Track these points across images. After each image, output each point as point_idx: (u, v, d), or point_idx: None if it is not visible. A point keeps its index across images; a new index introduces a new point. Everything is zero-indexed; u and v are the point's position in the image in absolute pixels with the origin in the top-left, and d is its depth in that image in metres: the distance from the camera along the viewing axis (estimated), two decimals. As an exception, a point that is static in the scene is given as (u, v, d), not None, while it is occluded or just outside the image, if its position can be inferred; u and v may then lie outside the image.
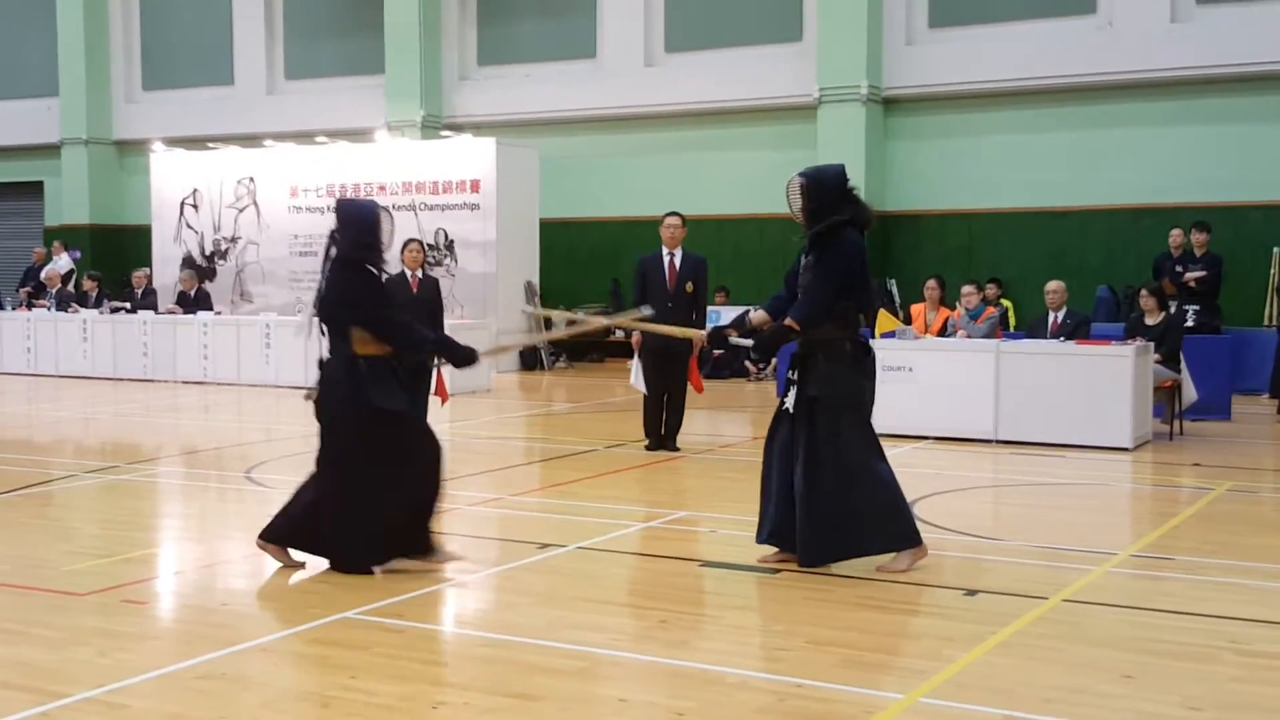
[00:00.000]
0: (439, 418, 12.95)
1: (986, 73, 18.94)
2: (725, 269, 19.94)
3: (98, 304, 19.48)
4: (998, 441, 11.75)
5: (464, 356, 7.36)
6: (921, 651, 5.46)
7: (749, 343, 7.14)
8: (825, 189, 6.69)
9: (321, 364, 6.90)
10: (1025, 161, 19.01)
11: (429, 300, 11.13)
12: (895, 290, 19.31)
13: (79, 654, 5.40)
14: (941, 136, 19.53)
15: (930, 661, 5.29)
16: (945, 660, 5.30)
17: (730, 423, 14.33)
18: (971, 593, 6.43)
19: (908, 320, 13.18)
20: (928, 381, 12.07)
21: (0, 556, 7.24)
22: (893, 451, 11.38)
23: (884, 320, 12.80)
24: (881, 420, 12.02)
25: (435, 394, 11.20)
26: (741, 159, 20.57)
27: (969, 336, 12.47)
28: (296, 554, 6.95)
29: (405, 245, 11.29)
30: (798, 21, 20.27)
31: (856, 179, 20.55)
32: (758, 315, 7.05)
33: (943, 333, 12.76)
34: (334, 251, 6.90)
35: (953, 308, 13.13)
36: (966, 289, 13.00)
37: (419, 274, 11.19)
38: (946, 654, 5.39)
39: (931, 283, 13.30)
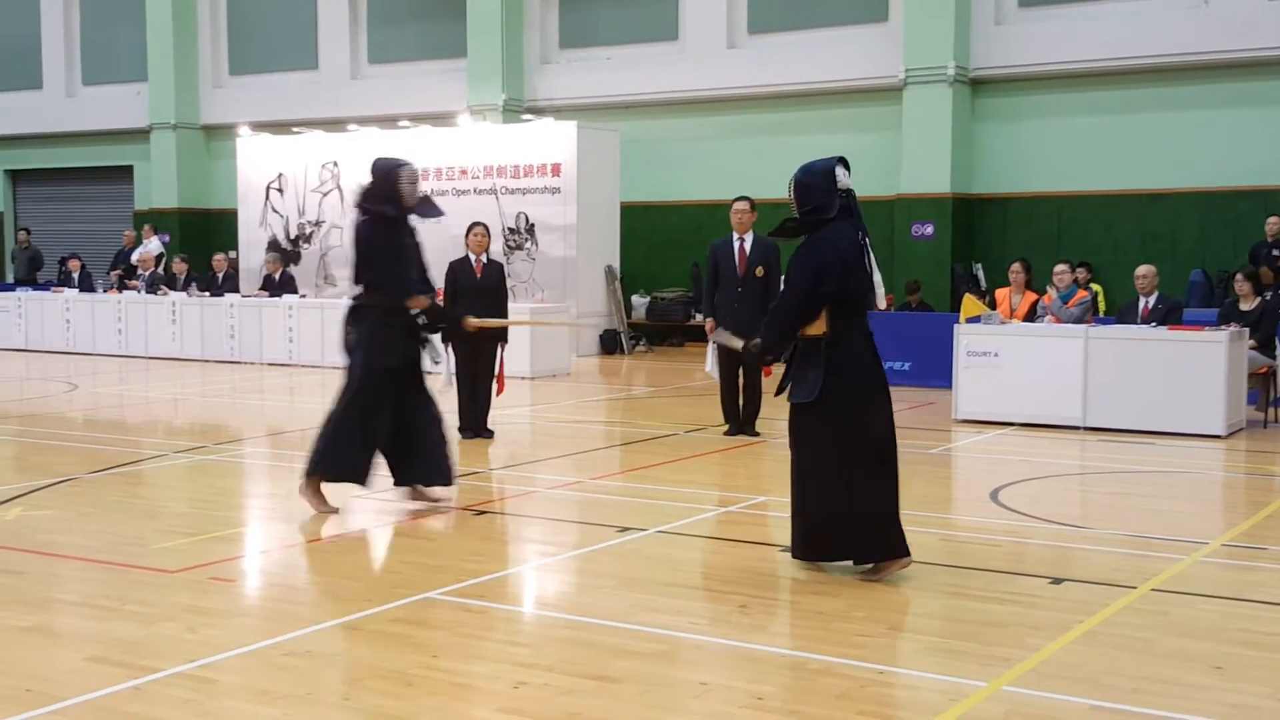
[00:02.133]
0: (516, 401, 13.07)
1: (1078, 53, 18.56)
2: (807, 253, 19.76)
3: (186, 286, 19.82)
4: (1086, 428, 11.55)
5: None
6: (1006, 639, 5.38)
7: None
8: (810, 190, 6.36)
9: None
10: (1117, 143, 18.62)
11: (493, 286, 11.10)
12: (981, 274, 19.04)
13: (169, 629, 5.51)
14: (1031, 118, 19.19)
15: (1015, 650, 5.22)
16: (1030, 649, 5.22)
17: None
18: (1058, 581, 6.34)
19: (993, 305, 12.99)
20: (1014, 367, 11.90)
21: (93, 533, 7.41)
22: (977, 438, 11.35)
23: (969, 305, 12.62)
24: (966, 405, 12.07)
25: (495, 380, 11.22)
26: (825, 142, 20.26)
27: (1060, 321, 12.25)
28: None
29: (470, 229, 11.25)
30: (883, 1, 20.02)
31: (942, 161, 20.30)
32: None
33: (1030, 317, 12.56)
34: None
35: (1040, 292, 12.91)
36: (1059, 268, 12.76)
37: (484, 259, 11.15)
38: (1031, 642, 5.31)
39: (1016, 266, 13.08)
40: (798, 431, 6.43)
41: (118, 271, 22.02)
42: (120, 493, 8.75)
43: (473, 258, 11.11)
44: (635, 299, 21.40)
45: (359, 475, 7.85)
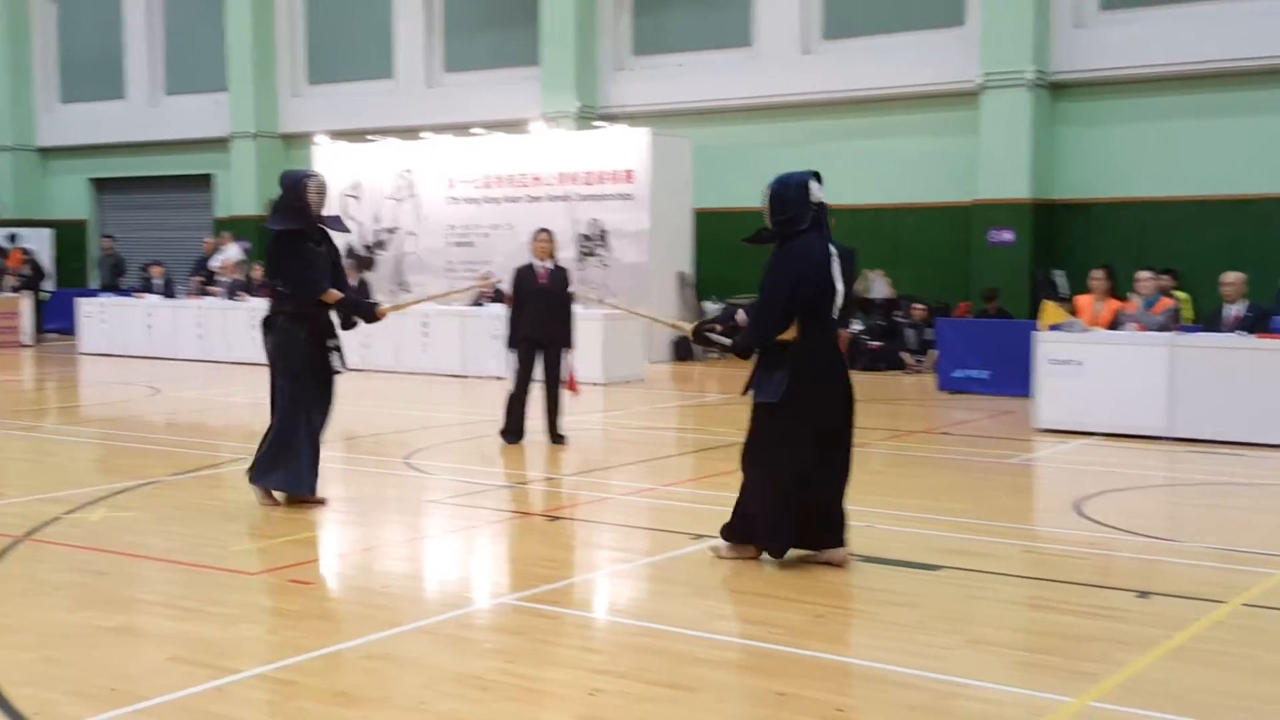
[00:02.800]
0: (589, 408, 13.08)
1: (1160, 55, 18.23)
2: (883, 259, 19.62)
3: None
4: (1172, 438, 11.31)
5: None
6: (1092, 654, 5.26)
7: (728, 341, 7.02)
8: (785, 201, 6.62)
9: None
10: (1201, 148, 18.25)
11: (559, 291, 11.06)
12: (1061, 281, 18.73)
13: (249, 631, 5.55)
14: (1112, 122, 18.88)
15: (1101, 665, 5.10)
16: (1117, 664, 5.11)
17: (884, 415, 14.07)
18: (1144, 594, 6.19)
19: (1074, 312, 12.76)
20: (1097, 375, 11.69)
21: (175, 535, 7.50)
22: (1059, 447, 11.15)
23: (1049, 312, 12.42)
24: (1047, 414, 11.88)
25: (566, 386, 11.17)
26: (901, 147, 20.22)
27: (1144, 328, 12.01)
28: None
29: (535, 235, 11.22)
30: (960, 4, 19.81)
31: (1020, 166, 20.02)
32: (742, 316, 7.01)
33: (1113, 325, 12.32)
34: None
35: (1123, 299, 12.67)
36: (1143, 274, 12.52)
37: (549, 264, 11.11)
38: (1118, 657, 5.19)
39: (1098, 273, 12.84)
40: (761, 429, 6.69)
41: (198, 278, 22.34)
42: (201, 495, 8.86)
43: (538, 263, 11.08)
44: (708, 305, 21.30)
45: (305, 484, 8.18)
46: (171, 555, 6.98)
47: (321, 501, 8.25)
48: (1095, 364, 11.73)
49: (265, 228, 8.23)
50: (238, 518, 7.95)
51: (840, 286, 6.55)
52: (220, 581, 6.40)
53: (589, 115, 22.37)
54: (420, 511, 8.46)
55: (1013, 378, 14.35)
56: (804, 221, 6.54)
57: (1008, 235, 18.86)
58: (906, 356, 18.31)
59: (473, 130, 21.81)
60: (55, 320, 24.78)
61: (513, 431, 11.07)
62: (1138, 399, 11.48)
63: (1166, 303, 12.43)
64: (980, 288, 18.21)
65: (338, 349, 8.23)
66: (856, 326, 17.87)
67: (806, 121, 21.07)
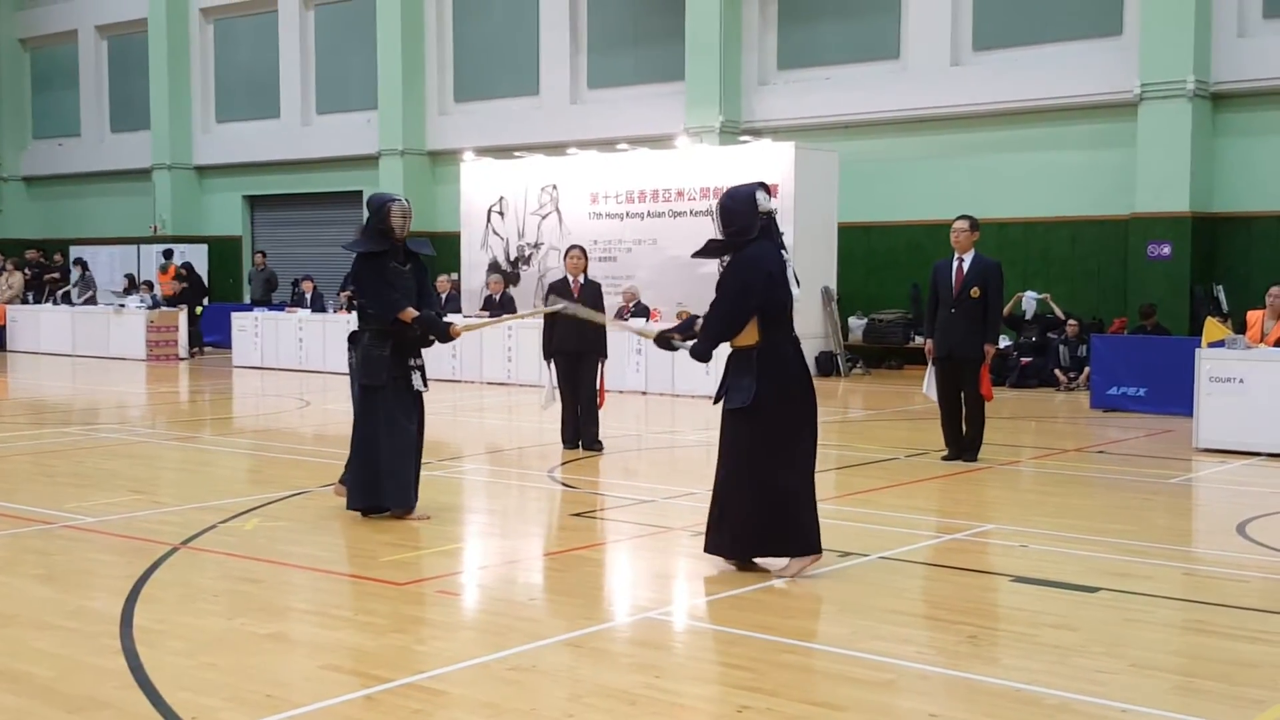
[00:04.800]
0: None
1: (1327, 64, 17.51)
2: (1034, 274, 19.19)
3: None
4: (1340, 460, 10.83)
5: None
6: (1259, 680, 5.06)
7: (689, 346, 7.11)
8: (734, 213, 6.89)
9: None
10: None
11: (590, 305, 11.36)
12: (1223, 297, 18.06)
13: (399, 640, 5.61)
14: (1276, 133, 18.15)
15: (1267, 691, 4.91)
16: (1286, 692, 4.88)
17: (1036, 433, 13.74)
18: (1316, 622, 5.91)
19: (1240, 328, 12.27)
20: (1261, 394, 11.26)
21: (325, 545, 7.65)
22: (1220, 468, 10.75)
23: (1211, 329, 11.98)
24: (1208, 434, 11.47)
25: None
26: (1053, 160, 19.75)
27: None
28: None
29: (567, 252, 11.92)
30: (1117, 14, 19.28)
31: (1180, 178, 19.32)
32: (700, 323, 7.17)
33: (1280, 343, 11.83)
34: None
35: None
36: None
37: (581, 279, 11.75)
38: (1288, 686, 4.97)
39: (1276, 290, 12.26)
40: (732, 435, 6.83)
41: (347, 293, 22.84)
42: (350, 505, 9.00)
43: (570, 278, 11.72)
44: (852, 320, 21.10)
45: (406, 499, 8.33)
46: (322, 565, 7.11)
47: (425, 517, 8.31)
48: (1259, 382, 11.30)
49: (347, 248, 8.62)
50: (385, 529, 8.07)
51: (796, 291, 6.87)
52: (370, 591, 6.49)
53: (732, 130, 22.33)
54: (563, 525, 8.49)
55: (1171, 395, 13.90)
56: (753, 231, 6.84)
57: (1165, 249, 18.26)
58: (1059, 373, 17.86)
59: (617, 146, 21.93)
60: (211, 334, 25.64)
61: (572, 440, 11.75)
62: (1305, 419, 11.01)
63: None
64: (1137, 303, 17.67)
65: (420, 368, 8.45)
66: (1004, 342, 17.45)
67: (955, 134, 20.73)
